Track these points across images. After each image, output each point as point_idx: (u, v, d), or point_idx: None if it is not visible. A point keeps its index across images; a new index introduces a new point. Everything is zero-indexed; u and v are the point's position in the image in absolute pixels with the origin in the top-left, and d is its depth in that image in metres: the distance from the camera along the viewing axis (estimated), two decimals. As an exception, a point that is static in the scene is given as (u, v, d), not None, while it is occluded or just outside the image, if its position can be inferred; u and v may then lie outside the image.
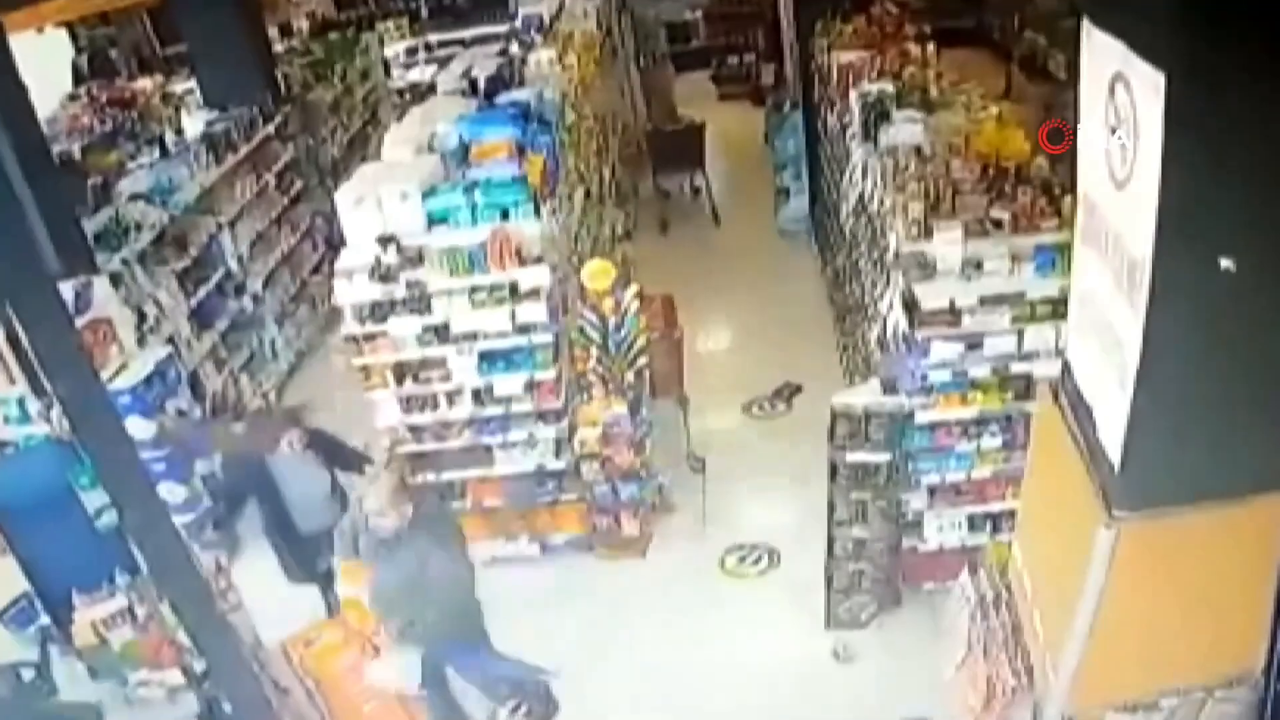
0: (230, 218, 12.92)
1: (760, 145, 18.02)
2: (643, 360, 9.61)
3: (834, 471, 8.03)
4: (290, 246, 14.54)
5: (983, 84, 10.99)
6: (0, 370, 8.97)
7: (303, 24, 21.40)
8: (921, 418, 7.88)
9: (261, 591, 8.07)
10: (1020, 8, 17.72)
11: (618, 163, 16.83)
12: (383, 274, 8.79)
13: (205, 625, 6.65)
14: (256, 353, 13.08)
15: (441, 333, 8.98)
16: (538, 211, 9.00)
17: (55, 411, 7.66)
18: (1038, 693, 5.15)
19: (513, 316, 8.87)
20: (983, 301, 7.49)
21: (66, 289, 9.04)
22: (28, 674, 7.91)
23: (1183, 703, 4.66)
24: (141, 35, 20.77)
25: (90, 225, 10.56)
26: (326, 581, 8.57)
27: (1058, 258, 7.28)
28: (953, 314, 7.51)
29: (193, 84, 15.66)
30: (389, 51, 20.69)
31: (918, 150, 8.76)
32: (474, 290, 8.81)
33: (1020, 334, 7.51)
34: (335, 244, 9.94)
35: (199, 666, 7.33)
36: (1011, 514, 6.74)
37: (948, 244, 7.60)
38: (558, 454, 9.51)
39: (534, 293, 8.82)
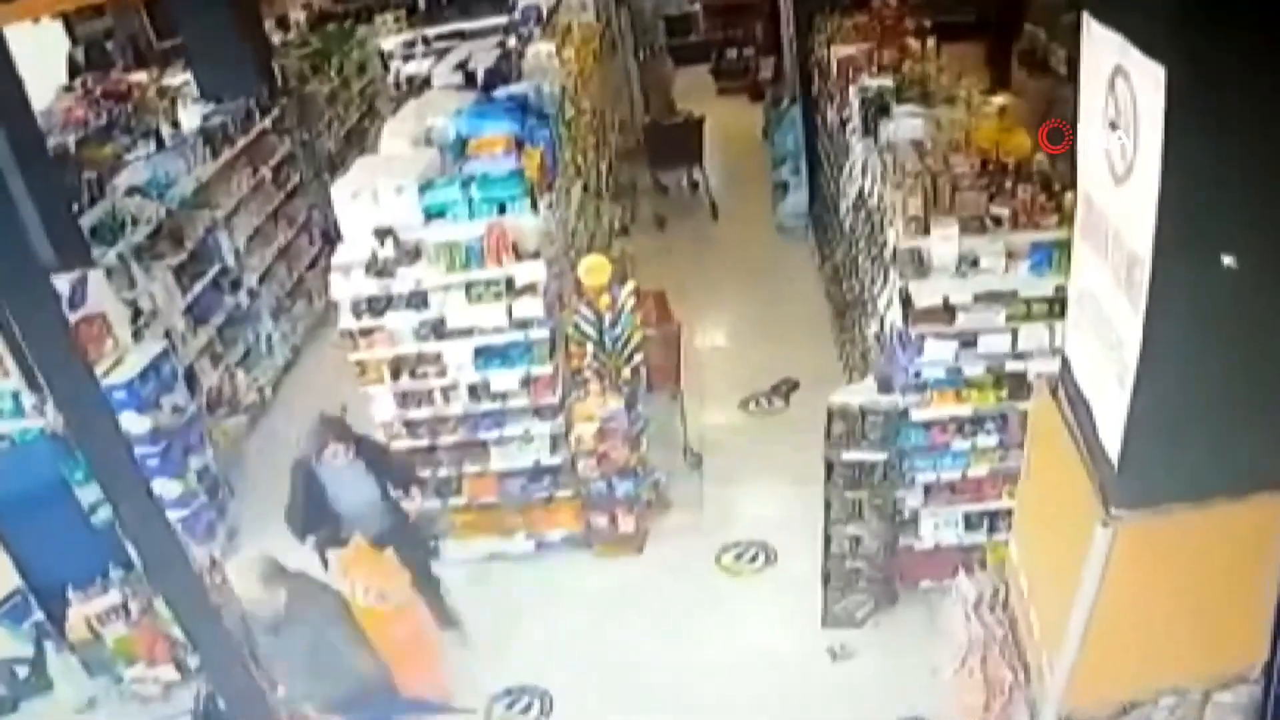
0: (227, 212, 12.86)
1: (759, 140, 17.99)
2: (639, 356, 9.57)
3: (830, 470, 8.00)
4: (287, 240, 14.49)
5: (982, 79, 10.95)
6: (-5, 365, 8.96)
7: (300, 16, 21.34)
8: (916, 415, 7.85)
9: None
10: (1020, 2, 17.66)
11: (615, 157, 16.81)
12: (379, 269, 8.76)
13: (199, 620, 6.62)
14: (253, 348, 13.04)
15: (438, 328, 8.95)
16: (535, 206, 8.97)
17: (50, 406, 7.63)
18: (1035, 691, 5.15)
19: (509, 312, 8.83)
20: (977, 299, 7.45)
21: (61, 283, 9.02)
22: (22, 670, 7.91)
23: (1181, 701, 4.65)
24: (138, 28, 20.72)
25: (86, 219, 10.52)
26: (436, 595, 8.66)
27: (1053, 255, 7.25)
28: (947, 311, 7.47)
29: (189, 77, 15.62)
30: (386, 44, 20.66)
31: (917, 145, 8.73)
32: (470, 285, 8.78)
33: (1015, 332, 7.47)
34: (332, 238, 9.89)
35: (193, 662, 7.31)
36: (1008, 512, 6.74)
37: (943, 241, 7.56)
38: (554, 450, 9.47)
39: (530, 288, 8.78)
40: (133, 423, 9.30)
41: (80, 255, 9.85)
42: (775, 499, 10.02)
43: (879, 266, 8.75)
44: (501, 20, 17.67)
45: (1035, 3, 16.93)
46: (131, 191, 11.49)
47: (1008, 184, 7.80)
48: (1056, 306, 6.99)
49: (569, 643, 8.74)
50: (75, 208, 10.41)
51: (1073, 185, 4.91)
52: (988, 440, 7.90)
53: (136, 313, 10.32)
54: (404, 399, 9.30)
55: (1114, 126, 3.85)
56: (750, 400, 11.74)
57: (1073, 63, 4.33)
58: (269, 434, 12.32)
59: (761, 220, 16.21)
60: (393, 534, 8.14)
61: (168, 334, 10.80)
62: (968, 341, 7.56)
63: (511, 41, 14.90)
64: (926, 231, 7.64)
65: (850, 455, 7.91)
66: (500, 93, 11.40)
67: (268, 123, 14.45)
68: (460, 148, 9.75)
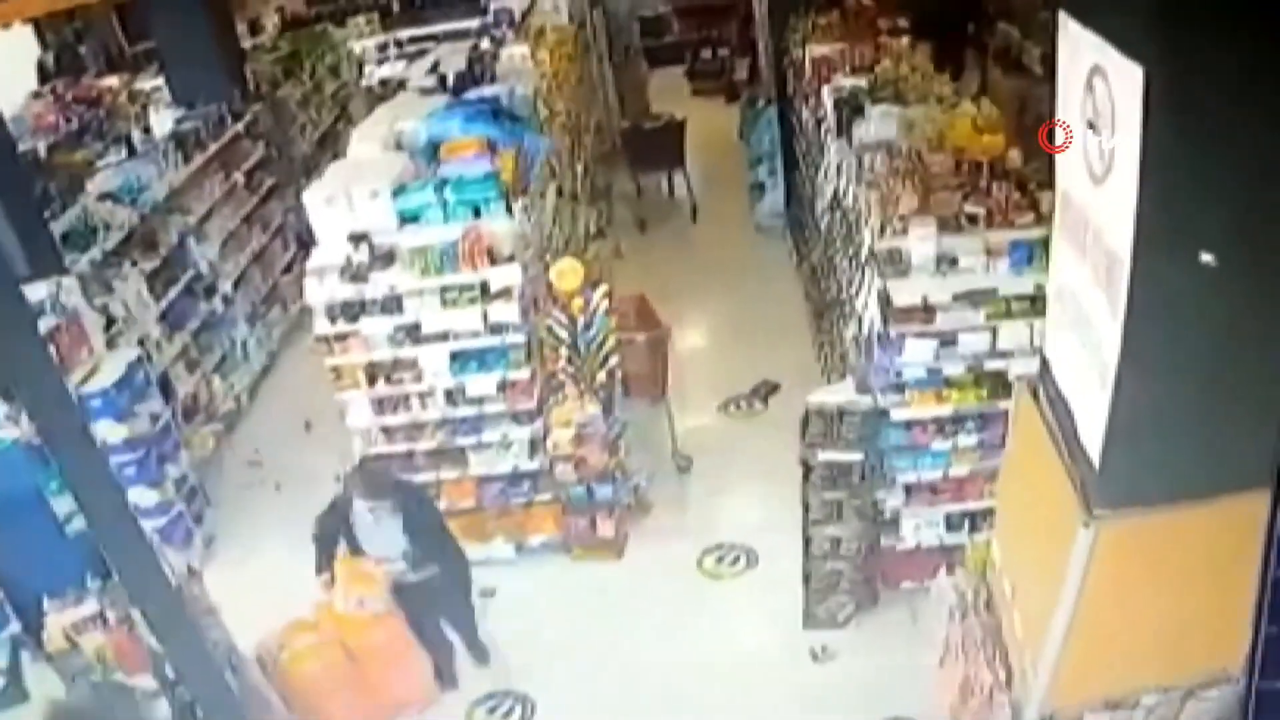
0: (200, 217, 12.80)
1: (735, 141, 17.96)
2: (614, 360, 9.54)
3: (807, 471, 8.00)
4: (261, 245, 14.41)
5: (956, 78, 10.95)
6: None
7: (272, 20, 21.23)
8: (897, 415, 7.86)
9: (236, 593, 8.01)
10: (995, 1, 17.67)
11: (591, 160, 16.77)
12: (353, 273, 8.72)
13: (176, 631, 6.59)
14: (228, 354, 12.95)
15: (413, 332, 8.92)
16: (509, 209, 8.94)
17: (23, 416, 7.57)
18: (1017, 692, 5.14)
19: (485, 316, 8.81)
20: (956, 298, 7.46)
21: (34, 291, 8.94)
22: (-1, 681, 7.83)
23: (1163, 700, 4.65)
24: (109, 32, 20.58)
25: (57, 226, 10.43)
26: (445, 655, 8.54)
27: (1033, 252, 7.25)
28: (926, 311, 7.47)
29: (160, 81, 15.52)
30: (359, 47, 20.55)
31: (891, 145, 8.72)
32: (445, 289, 8.76)
33: (995, 331, 7.48)
34: (307, 243, 9.84)
35: (172, 671, 7.25)
36: (989, 512, 6.74)
37: (921, 240, 7.56)
38: (531, 455, 9.46)
39: (506, 292, 8.76)
40: (108, 431, 9.25)
41: (52, 263, 9.77)
42: (756, 501, 10.03)
43: (856, 267, 8.74)
44: (474, 23, 17.60)
45: (1009, 1, 16.94)
46: (103, 197, 11.41)
47: (982, 183, 7.81)
48: (1036, 305, 6.99)
49: (550, 647, 8.71)
50: (47, 214, 10.32)
51: (1047, 184, 4.91)
52: (968, 440, 7.91)
53: (110, 320, 10.23)
54: (380, 404, 9.27)
55: (1092, 126, 3.85)
56: (730, 402, 11.73)
57: (1047, 61, 4.34)
58: (246, 440, 12.28)
59: (739, 221, 16.21)
60: (414, 590, 7.96)
61: (142, 341, 10.71)
62: (947, 341, 7.56)
63: (484, 44, 14.84)
64: (902, 231, 7.63)
65: (826, 455, 7.90)
66: (473, 95, 11.35)
67: (240, 127, 14.36)
68: (433, 151, 9.69)
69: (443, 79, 12.65)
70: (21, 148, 12.46)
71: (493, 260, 8.71)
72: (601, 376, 9.40)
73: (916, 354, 7.60)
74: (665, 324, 10.84)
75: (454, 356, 9.03)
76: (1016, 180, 7.74)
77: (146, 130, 13.64)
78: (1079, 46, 3.92)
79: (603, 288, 9.41)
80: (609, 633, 8.87)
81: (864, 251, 8.30)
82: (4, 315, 5.72)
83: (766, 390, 11.73)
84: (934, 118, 8.99)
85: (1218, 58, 3.25)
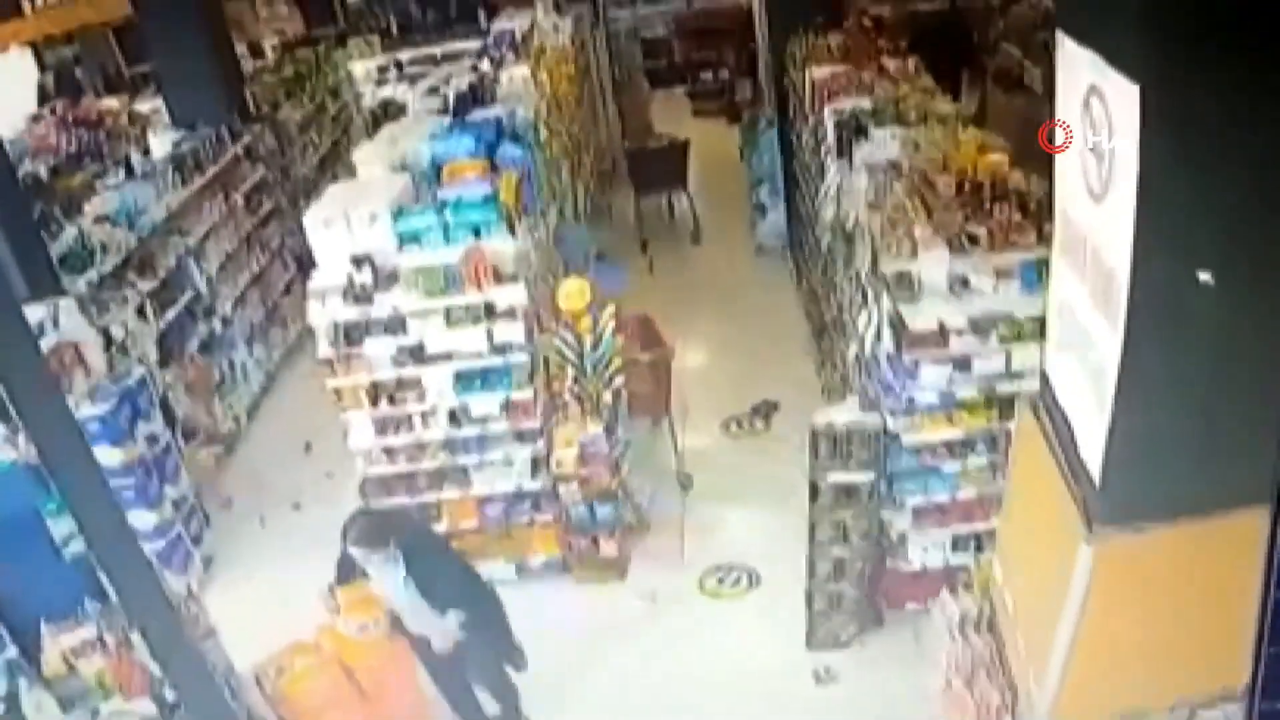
0: (198, 239, 12.80)
1: (736, 162, 17.98)
2: (619, 380, 9.53)
3: (815, 492, 7.97)
4: (260, 267, 14.41)
5: (955, 98, 10.97)
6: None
7: (272, 42, 21.29)
8: (907, 439, 7.82)
9: (235, 615, 7.99)
10: (996, 22, 17.75)
11: (592, 181, 16.78)
12: (357, 295, 8.71)
13: (175, 653, 6.57)
14: (227, 375, 12.95)
15: (416, 353, 8.91)
16: (512, 230, 8.93)
17: (22, 437, 7.55)
18: (1021, 711, 5.11)
19: (489, 336, 8.80)
20: (971, 322, 7.43)
21: (33, 313, 8.93)
22: (-4, 707, 7.80)
23: (1167, 719, 4.62)
24: (108, 54, 20.64)
25: (56, 247, 10.45)
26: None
27: (1042, 270, 7.22)
28: (941, 335, 7.46)
29: (160, 103, 15.55)
30: (359, 69, 20.58)
31: (892, 166, 8.72)
32: (449, 310, 8.75)
33: (1008, 354, 7.46)
34: (306, 264, 9.83)
35: (171, 695, 7.22)
36: (995, 533, 6.71)
37: (933, 263, 7.54)
38: (534, 474, 9.43)
39: (510, 312, 8.77)
40: (107, 453, 9.21)
41: (51, 284, 9.79)
42: (758, 521, 10.00)
43: (856, 288, 8.73)
44: (475, 45, 17.63)
45: (1009, 22, 17.01)
46: (101, 219, 11.42)
47: (984, 204, 7.80)
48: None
49: (551, 668, 8.63)
50: (45, 236, 10.33)
51: (1049, 204, 4.91)
52: (978, 461, 7.88)
53: (109, 342, 10.21)
54: (382, 425, 9.24)
55: (1090, 144, 3.84)
56: (731, 421, 11.71)
57: (1048, 81, 4.35)
58: (245, 462, 12.27)
59: (741, 241, 16.25)
60: (429, 651, 7.59)
61: (141, 362, 10.70)
62: (961, 365, 7.54)
63: (485, 66, 14.86)
64: (913, 253, 7.62)
65: (836, 477, 7.87)
66: (474, 117, 11.35)
67: (240, 149, 14.39)
68: (434, 173, 9.69)
69: (444, 100, 12.67)
70: (21, 170, 12.50)
71: (497, 279, 8.70)
72: (606, 396, 9.39)
73: (932, 379, 7.58)
74: (668, 344, 10.81)
75: (458, 376, 9.02)
76: (1018, 200, 7.73)
77: (146, 152, 13.68)
78: (1076, 65, 3.92)
79: (610, 307, 9.40)
80: (610, 653, 8.85)
81: (865, 273, 8.28)
82: (4, 337, 5.71)
83: (768, 409, 11.70)
84: (935, 139, 9.00)
85: (1214, 75, 3.25)
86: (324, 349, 8.98)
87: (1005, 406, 7.51)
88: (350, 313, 8.77)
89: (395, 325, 8.80)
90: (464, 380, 9.04)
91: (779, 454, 10.23)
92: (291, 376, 14.02)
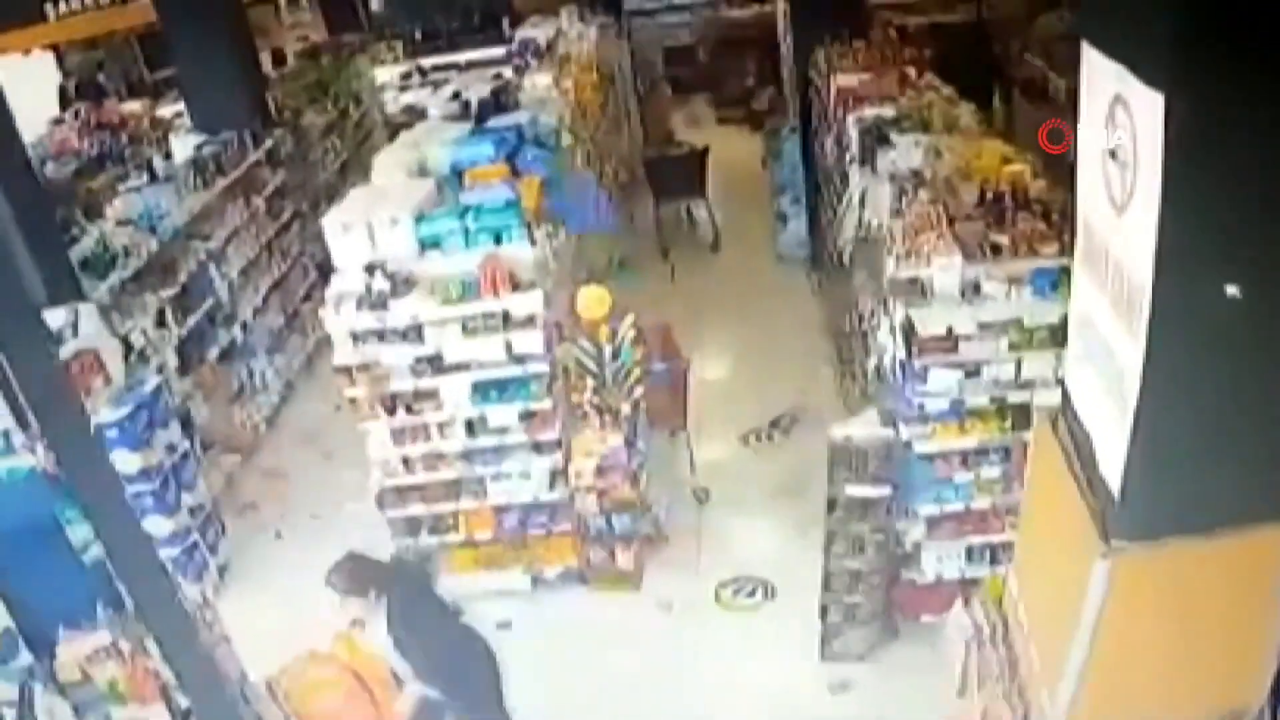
0: (220, 244, 12.81)
1: (758, 170, 17.95)
2: (639, 391, 9.49)
3: (832, 505, 7.95)
4: (281, 273, 14.43)
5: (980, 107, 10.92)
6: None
7: (295, 48, 21.35)
8: (920, 448, 7.81)
9: (250, 623, 7.97)
10: (1020, 32, 17.70)
11: (614, 188, 16.75)
12: (373, 302, 8.68)
13: (190, 661, 6.55)
14: (246, 383, 12.95)
15: (434, 362, 8.87)
16: (532, 237, 8.90)
17: (41, 444, 7.55)
18: (1036, 726, 5.07)
19: (508, 346, 8.76)
20: (981, 327, 7.42)
21: (53, 318, 8.94)
22: (10, 714, 7.79)
23: (1182, 737, 4.59)
24: (130, 59, 20.71)
25: (76, 252, 10.46)
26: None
27: (1055, 279, 7.22)
28: (950, 340, 7.43)
29: (182, 107, 15.58)
30: (382, 75, 20.64)
31: (916, 175, 8.69)
32: (467, 318, 8.71)
33: (1019, 362, 7.45)
34: (326, 271, 9.82)
35: (184, 703, 7.21)
36: (1010, 545, 6.66)
37: (944, 269, 7.51)
38: (552, 486, 9.40)
39: (529, 320, 8.71)
40: (125, 460, 9.22)
41: (71, 289, 9.78)
42: (775, 533, 9.99)
43: (878, 298, 8.69)
44: (499, 52, 17.68)
45: (1034, 33, 16.95)
46: (123, 224, 11.43)
47: (1007, 213, 7.76)
48: (1059, 334, 6.95)
49: (565, 678, 8.63)
50: (66, 240, 10.33)
51: (1072, 215, 4.88)
52: (991, 472, 7.85)
53: (128, 348, 10.22)
54: (400, 435, 9.20)
55: (1114, 155, 3.81)
56: (750, 434, 11.63)
57: (1072, 92, 4.31)
58: (263, 471, 12.25)
59: (762, 250, 16.20)
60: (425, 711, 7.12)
61: (160, 370, 10.71)
62: (971, 371, 7.52)
63: (508, 73, 14.86)
64: (927, 260, 7.59)
65: (854, 491, 7.84)
66: (496, 123, 11.34)
67: (261, 154, 14.41)
68: (456, 178, 9.67)
69: (465, 106, 12.67)
70: (42, 174, 12.52)
71: (515, 287, 8.67)
72: (625, 407, 9.35)
73: (941, 384, 7.56)
74: (685, 356, 10.76)
75: (475, 386, 8.97)
76: (1042, 210, 7.69)
77: (167, 156, 13.70)
78: (1100, 75, 3.89)
79: (630, 317, 9.36)
80: (625, 664, 8.80)
81: (886, 282, 8.24)
82: (23, 342, 5.70)
83: (787, 422, 11.63)
84: (958, 147, 8.96)
85: (1240, 86, 3.22)
86: (341, 356, 8.95)
87: (1017, 416, 7.54)
88: (367, 320, 8.74)
89: (412, 334, 8.77)
90: (481, 390, 8.99)
91: (798, 467, 10.19)
92: (311, 385, 14.00)
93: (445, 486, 9.45)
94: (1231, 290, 3.47)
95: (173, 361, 11.22)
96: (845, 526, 7.98)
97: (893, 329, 7.94)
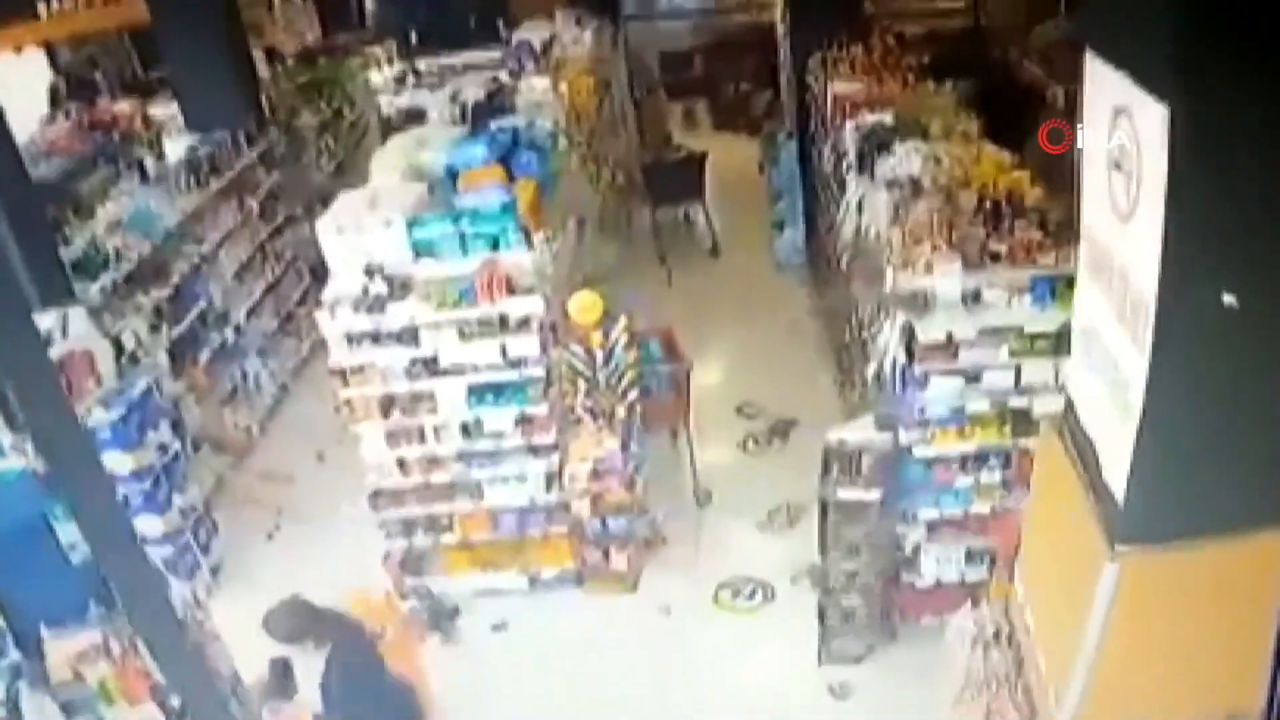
0: (213, 246, 12.76)
1: (755, 176, 17.93)
2: (634, 394, 9.46)
3: (824, 508, 7.96)
4: (275, 276, 14.36)
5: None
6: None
7: (290, 49, 21.27)
8: (920, 453, 7.83)
9: (242, 623, 7.92)
10: (1020, 40, 17.67)
11: (610, 193, 16.72)
12: (369, 305, 8.65)
13: (179, 661, 6.51)
14: (239, 385, 12.90)
15: (430, 365, 8.85)
16: (528, 241, 8.87)
17: (30, 445, 7.52)
18: (1042, 728, 5.10)
19: (503, 349, 8.75)
20: (981, 334, 7.43)
21: (44, 319, 8.89)
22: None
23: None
24: (123, 57, 20.61)
25: (68, 253, 10.38)
26: None
27: (1055, 287, 7.24)
28: (950, 347, 7.44)
29: (175, 107, 15.51)
30: (377, 77, 20.56)
31: (914, 182, 8.67)
32: (463, 322, 8.69)
33: (1018, 368, 7.46)
34: (321, 275, 9.78)
35: (175, 702, 7.18)
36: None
37: (945, 277, 7.51)
38: (548, 488, 9.38)
39: (525, 324, 8.70)
40: (117, 461, 9.18)
41: (62, 290, 9.73)
42: (772, 537, 10.00)
43: (876, 304, 8.67)
44: (495, 55, 17.61)
45: (1032, 41, 16.94)
46: (115, 225, 11.35)
47: (1005, 221, 7.76)
48: (1059, 341, 6.96)
49: (561, 680, 8.64)
50: (57, 241, 10.28)
51: (1071, 223, 4.89)
52: (991, 477, 7.88)
53: (120, 350, 10.16)
54: (395, 438, 9.18)
55: (1117, 164, 3.82)
56: (748, 439, 11.65)
57: (1070, 99, 4.34)
58: (256, 472, 12.23)
59: (760, 256, 16.18)
60: None
61: (151, 372, 10.65)
62: (971, 377, 7.55)
63: (504, 76, 14.82)
64: (926, 268, 7.58)
65: (846, 494, 7.84)
66: (492, 126, 11.30)
67: (255, 155, 14.36)
68: (450, 182, 9.62)
69: (461, 109, 12.63)
70: (33, 174, 12.45)
71: (511, 292, 8.64)
72: (620, 411, 9.32)
73: (941, 391, 7.59)
74: (687, 359, 10.75)
75: (471, 390, 8.96)
76: (1039, 219, 7.68)
77: (160, 157, 13.62)
78: (1104, 85, 3.91)
79: (622, 321, 9.33)
80: (621, 666, 8.82)
81: (884, 289, 8.23)
82: (14, 344, 5.66)
83: (785, 426, 11.64)
84: (958, 155, 8.95)
85: (1242, 95, 3.25)
86: (336, 359, 8.92)
87: (1017, 421, 7.60)
88: (362, 323, 8.71)
89: (408, 337, 8.75)
90: (477, 394, 8.97)
91: (796, 472, 10.16)
92: (305, 388, 13.95)
93: (440, 489, 9.43)
94: (1229, 299, 3.49)
95: (164, 363, 11.16)
96: (838, 530, 8.00)
97: (891, 336, 7.94)
